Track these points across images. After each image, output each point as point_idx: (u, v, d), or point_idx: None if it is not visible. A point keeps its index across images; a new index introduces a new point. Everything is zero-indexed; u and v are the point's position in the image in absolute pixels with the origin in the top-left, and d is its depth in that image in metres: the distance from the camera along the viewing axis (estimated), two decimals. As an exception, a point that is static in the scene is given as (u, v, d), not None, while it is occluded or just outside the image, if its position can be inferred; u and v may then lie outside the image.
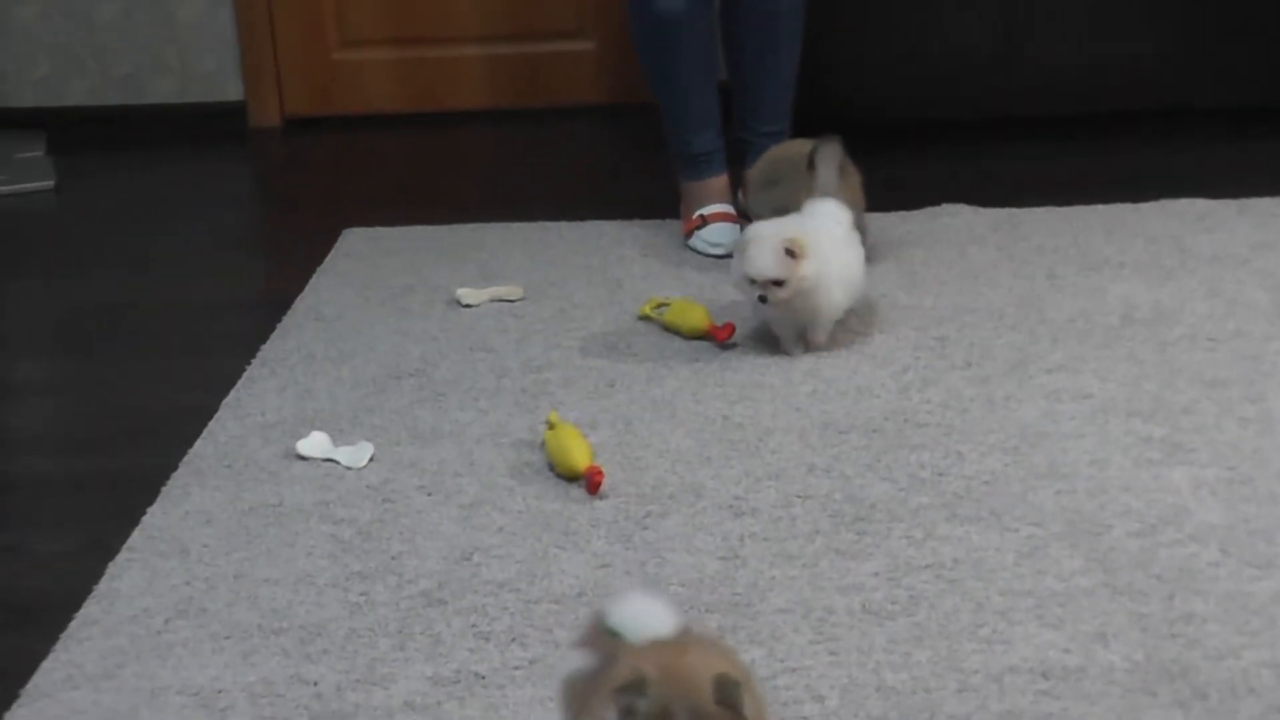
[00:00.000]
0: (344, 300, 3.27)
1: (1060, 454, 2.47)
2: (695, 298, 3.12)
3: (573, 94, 4.66)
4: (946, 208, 3.60)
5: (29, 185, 4.22)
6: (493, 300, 3.21)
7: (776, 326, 2.91)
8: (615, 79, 4.75)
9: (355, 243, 3.61)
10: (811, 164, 3.15)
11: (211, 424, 2.74)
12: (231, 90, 4.78)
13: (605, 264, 3.39)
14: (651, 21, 3.42)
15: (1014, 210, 3.57)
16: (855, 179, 3.24)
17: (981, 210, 3.58)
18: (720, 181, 3.54)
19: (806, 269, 2.77)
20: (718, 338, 2.93)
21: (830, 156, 3.15)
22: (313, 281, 3.38)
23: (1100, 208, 3.56)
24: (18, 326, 3.38)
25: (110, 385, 3.02)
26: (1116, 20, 4.07)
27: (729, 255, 3.34)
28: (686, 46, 3.44)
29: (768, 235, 2.79)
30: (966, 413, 2.63)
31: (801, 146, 3.25)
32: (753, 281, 2.78)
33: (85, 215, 4.09)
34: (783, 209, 3.11)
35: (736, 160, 3.53)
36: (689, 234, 3.48)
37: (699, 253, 3.44)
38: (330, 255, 3.54)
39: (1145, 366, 2.76)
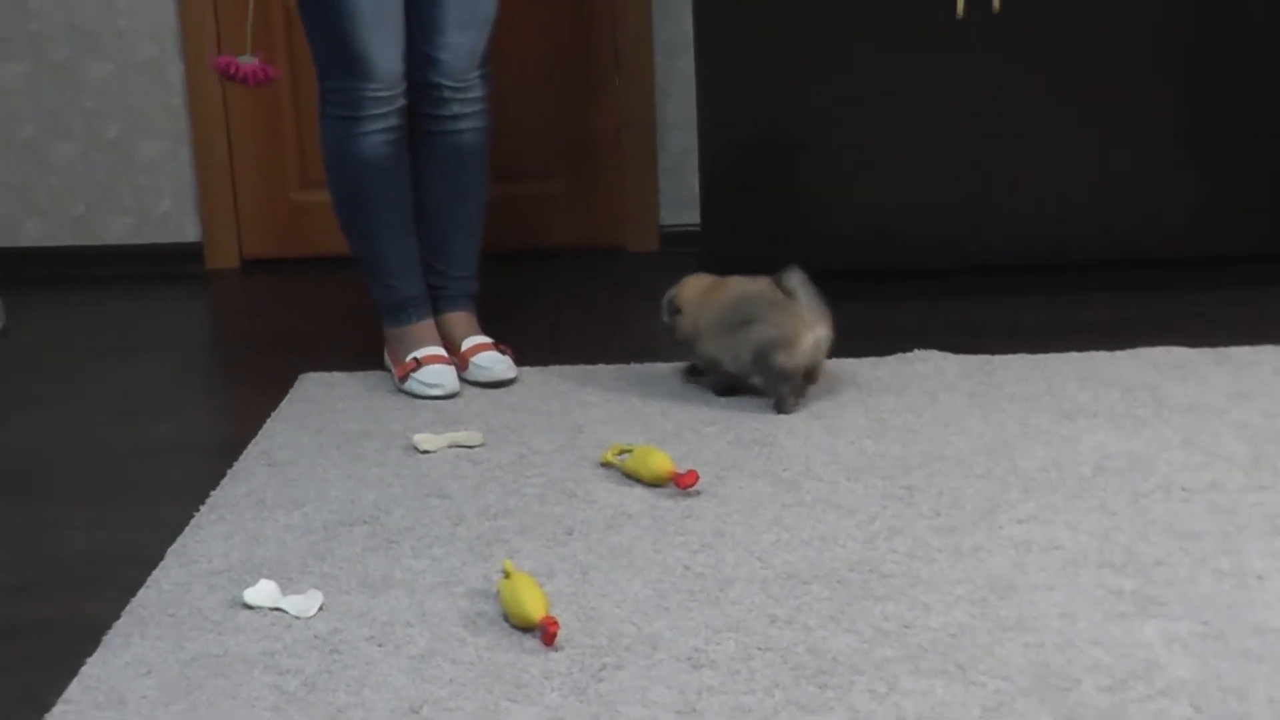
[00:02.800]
0: (298, 445, 3.24)
1: (1029, 606, 2.43)
2: (658, 444, 3.10)
3: (538, 237, 4.69)
4: (918, 354, 3.61)
5: (-26, 325, 4.22)
6: (451, 446, 3.18)
7: None
8: (582, 221, 4.78)
9: (312, 387, 3.60)
10: (789, 291, 3.23)
11: (156, 571, 2.69)
12: (189, 231, 4.80)
13: (566, 409, 3.38)
14: (351, 168, 3.44)
15: (987, 357, 3.58)
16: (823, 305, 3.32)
17: (953, 357, 3.59)
18: (428, 326, 3.58)
19: None
20: (680, 485, 2.89)
21: (803, 280, 3.25)
22: (266, 426, 3.36)
23: (1074, 355, 3.57)
24: (-37, 469, 3.34)
25: (54, 530, 2.97)
26: (1085, 172, 4.12)
27: (449, 396, 3.44)
28: (386, 192, 3.47)
29: None
30: (934, 563, 2.59)
31: (755, 284, 3.32)
32: None
33: (33, 356, 4.08)
34: (772, 343, 3.20)
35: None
36: (403, 378, 3.51)
37: (415, 395, 3.47)
38: (286, 399, 3.53)
39: (1118, 518, 2.74)
